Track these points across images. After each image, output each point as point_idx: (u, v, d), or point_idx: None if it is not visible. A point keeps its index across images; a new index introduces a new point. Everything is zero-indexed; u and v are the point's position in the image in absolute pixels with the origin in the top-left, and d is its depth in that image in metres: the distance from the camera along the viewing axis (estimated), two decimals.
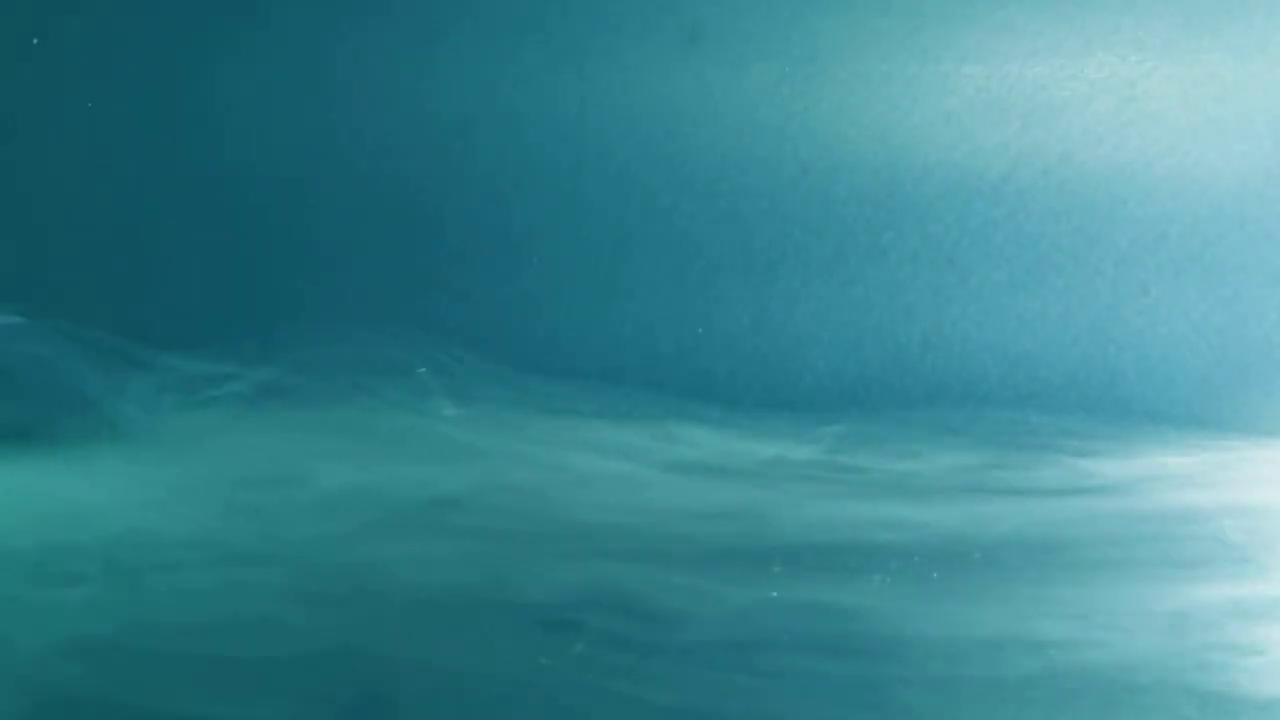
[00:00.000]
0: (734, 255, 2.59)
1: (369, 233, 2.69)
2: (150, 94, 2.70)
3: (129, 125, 2.72)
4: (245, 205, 2.70)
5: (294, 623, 1.78)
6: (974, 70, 2.49)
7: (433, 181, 2.66)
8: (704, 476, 2.24)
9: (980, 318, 2.53)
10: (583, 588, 1.86)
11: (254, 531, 2.02)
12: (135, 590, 1.86)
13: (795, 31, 2.53)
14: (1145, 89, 2.45)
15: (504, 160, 2.64)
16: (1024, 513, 2.13)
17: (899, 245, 2.54)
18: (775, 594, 1.81)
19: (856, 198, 2.55)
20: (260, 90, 2.68)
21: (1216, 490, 2.22)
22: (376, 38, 2.64)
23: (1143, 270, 2.49)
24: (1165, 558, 1.95)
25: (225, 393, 2.54)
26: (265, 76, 2.68)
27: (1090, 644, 1.66)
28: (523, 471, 2.24)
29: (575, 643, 1.63)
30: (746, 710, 1.54)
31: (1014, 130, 2.49)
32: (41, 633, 1.76)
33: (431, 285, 2.68)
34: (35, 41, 2.71)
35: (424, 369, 2.66)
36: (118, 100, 2.71)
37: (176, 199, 2.72)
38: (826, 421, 2.49)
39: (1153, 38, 2.44)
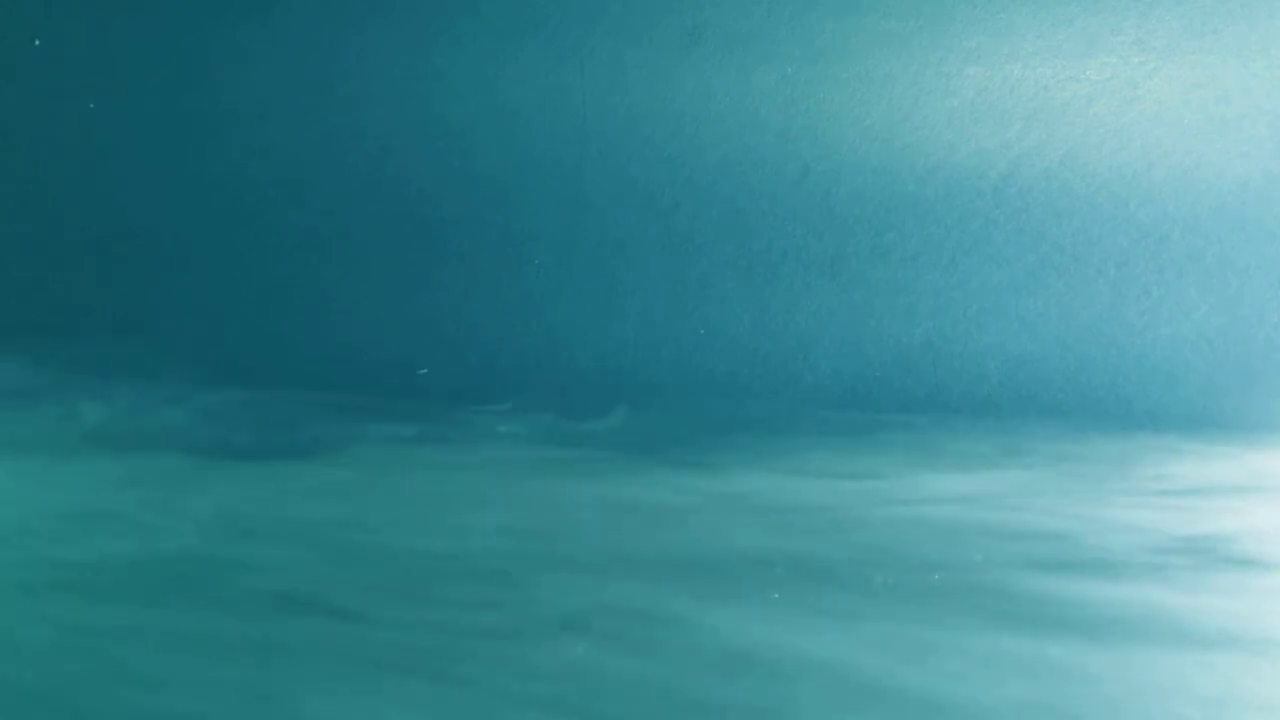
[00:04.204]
0: (735, 256, 2.59)
1: (370, 233, 2.69)
2: (151, 94, 2.70)
3: (129, 125, 2.71)
4: (246, 205, 2.70)
5: None
6: (976, 72, 2.49)
7: (434, 182, 2.66)
8: None
9: (982, 318, 2.53)
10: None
11: None
12: None
13: (797, 32, 2.54)
14: (1147, 90, 2.46)
15: (505, 160, 2.64)
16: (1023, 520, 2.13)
17: (901, 246, 2.54)
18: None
19: (858, 199, 2.55)
20: (262, 91, 2.68)
21: (1219, 492, 2.22)
22: (378, 39, 2.64)
23: (1144, 271, 2.49)
24: (1165, 560, 1.95)
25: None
26: (267, 77, 2.68)
27: (1090, 645, 1.66)
28: None
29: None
30: None
31: (1016, 132, 2.49)
32: None
33: (431, 285, 2.68)
34: (36, 42, 2.71)
35: (424, 369, 2.66)
36: (118, 100, 2.71)
37: (176, 199, 2.72)
38: (828, 421, 2.50)
39: (1154, 39, 2.44)
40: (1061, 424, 2.46)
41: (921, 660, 1.58)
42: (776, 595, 1.74)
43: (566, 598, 1.74)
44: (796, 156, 2.56)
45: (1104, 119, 2.47)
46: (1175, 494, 2.18)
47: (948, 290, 2.53)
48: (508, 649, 1.60)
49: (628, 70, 2.60)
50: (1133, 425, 2.45)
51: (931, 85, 2.51)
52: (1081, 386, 2.51)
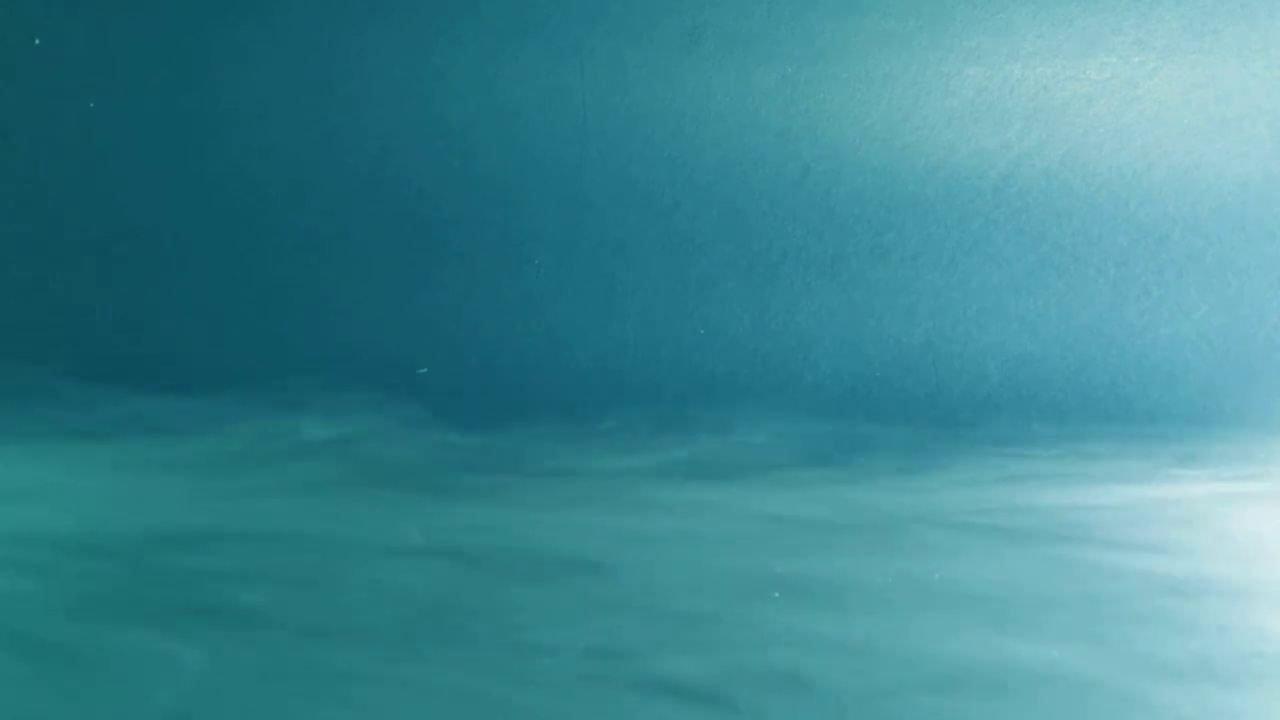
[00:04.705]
0: (735, 256, 2.59)
1: (369, 233, 2.69)
2: (151, 94, 2.70)
3: (129, 125, 2.71)
4: (246, 206, 2.70)
5: None
6: (976, 71, 2.49)
7: (434, 181, 2.66)
8: None
9: (982, 318, 2.53)
10: None
11: None
12: None
13: (797, 32, 2.54)
14: (1147, 90, 2.46)
15: (505, 160, 2.64)
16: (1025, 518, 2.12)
17: (900, 246, 2.54)
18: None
19: (858, 198, 2.55)
20: (262, 91, 2.68)
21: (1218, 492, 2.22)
22: (378, 39, 2.64)
23: (1144, 271, 2.49)
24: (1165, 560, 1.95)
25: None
26: (267, 77, 2.68)
27: (1090, 645, 1.65)
28: None
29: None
30: None
31: (1016, 131, 2.49)
32: None
33: (431, 285, 2.68)
34: (36, 41, 2.71)
35: (424, 369, 2.66)
36: (118, 100, 2.71)
37: (176, 199, 2.72)
38: (828, 422, 2.50)
39: (1154, 39, 2.44)
40: (1061, 424, 2.46)
41: None
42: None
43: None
44: (796, 156, 2.56)
45: (1104, 119, 2.47)
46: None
47: (948, 290, 2.54)
48: None
49: (628, 70, 2.60)
50: (1133, 425, 2.45)
51: (931, 85, 2.51)
52: (1081, 386, 2.51)
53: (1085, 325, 2.51)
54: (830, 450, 2.35)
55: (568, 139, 2.62)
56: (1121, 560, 1.89)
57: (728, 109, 2.57)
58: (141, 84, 2.71)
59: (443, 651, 1.51)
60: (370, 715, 1.34)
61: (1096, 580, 1.80)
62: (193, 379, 2.61)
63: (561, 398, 2.57)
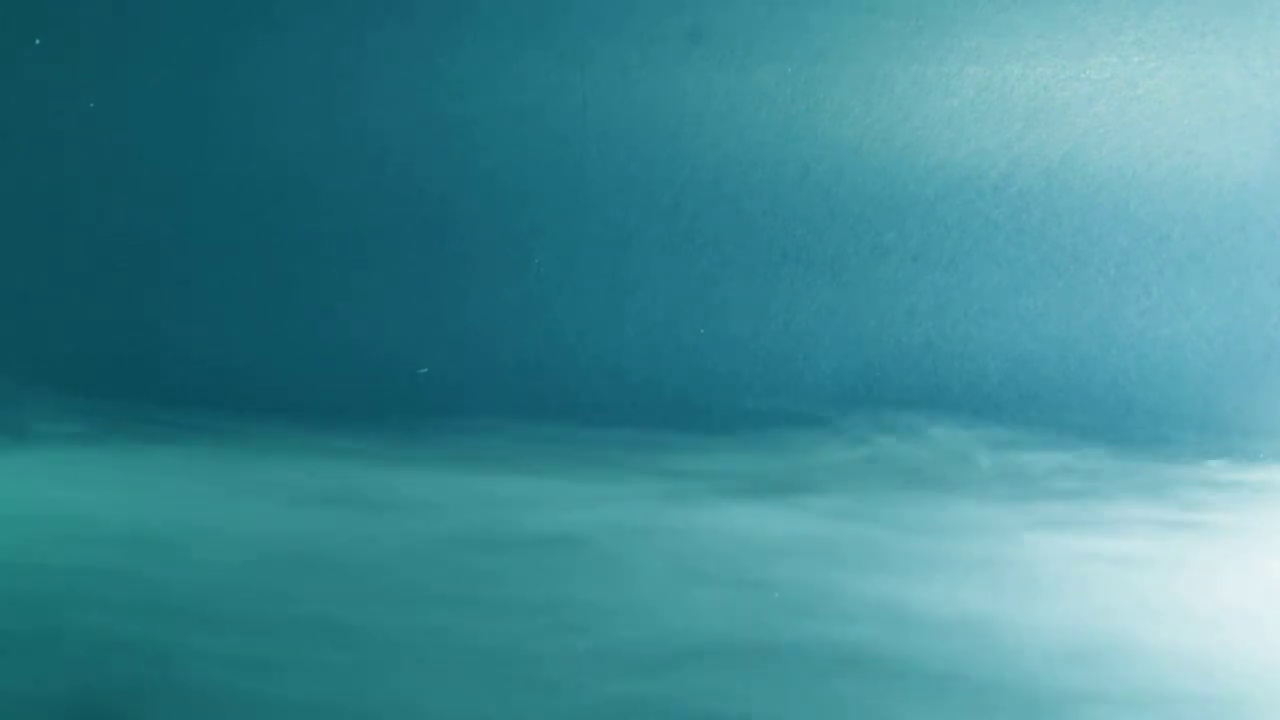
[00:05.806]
0: (736, 255, 2.59)
1: (371, 233, 2.69)
2: (152, 95, 2.70)
3: (130, 125, 2.71)
4: (248, 205, 2.70)
5: None
6: (976, 71, 2.50)
7: (436, 181, 2.66)
8: None
9: (982, 318, 2.53)
10: None
11: None
12: None
13: (798, 32, 2.54)
14: (1147, 90, 2.46)
15: (507, 160, 2.64)
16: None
17: (901, 246, 2.54)
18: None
19: (859, 198, 2.55)
20: (265, 91, 2.68)
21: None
22: (380, 40, 2.64)
23: (1144, 271, 2.49)
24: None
25: None
26: (269, 77, 2.68)
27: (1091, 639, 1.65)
28: None
29: None
30: None
31: (1016, 131, 2.49)
32: None
33: (431, 285, 2.68)
34: (37, 41, 2.71)
35: (424, 369, 2.66)
36: (119, 100, 2.71)
37: (177, 199, 2.72)
38: (828, 421, 2.50)
39: (1154, 39, 2.44)
40: (1061, 423, 2.46)
41: None
42: None
43: None
44: (797, 156, 2.56)
45: (1104, 119, 2.47)
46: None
47: (948, 290, 2.54)
48: None
49: (630, 71, 2.60)
50: (1133, 425, 2.45)
51: (931, 85, 2.51)
52: (1081, 386, 2.51)
53: (1085, 325, 2.51)
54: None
55: (569, 139, 2.62)
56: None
57: (728, 109, 2.57)
58: (142, 84, 2.71)
59: None
60: None
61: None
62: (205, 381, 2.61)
63: (565, 396, 2.57)
